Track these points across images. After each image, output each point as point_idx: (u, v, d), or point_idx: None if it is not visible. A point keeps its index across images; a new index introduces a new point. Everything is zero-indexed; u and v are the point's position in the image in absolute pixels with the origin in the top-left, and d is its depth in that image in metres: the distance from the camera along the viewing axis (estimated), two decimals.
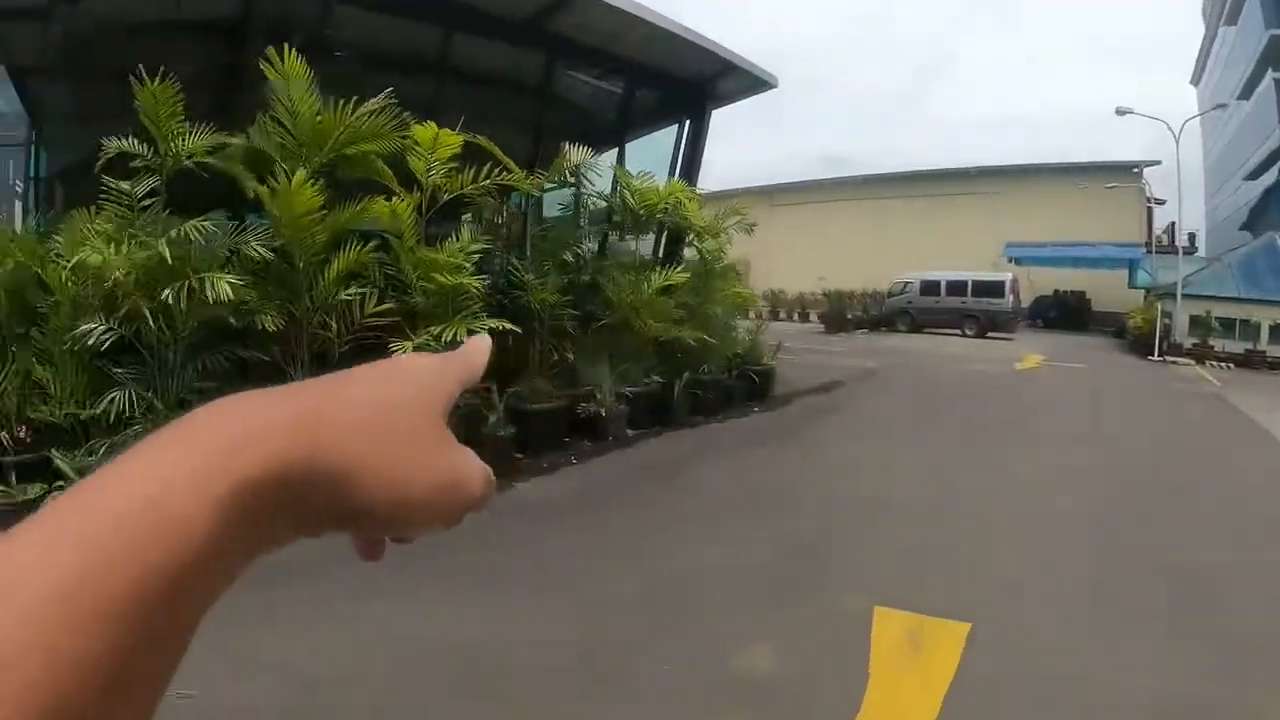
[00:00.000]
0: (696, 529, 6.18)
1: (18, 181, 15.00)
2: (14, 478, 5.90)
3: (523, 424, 7.82)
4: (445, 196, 7.32)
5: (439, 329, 6.65)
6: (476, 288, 6.97)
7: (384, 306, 6.71)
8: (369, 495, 0.35)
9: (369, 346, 6.68)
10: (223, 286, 5.69)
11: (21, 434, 6.03)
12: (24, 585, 0.26)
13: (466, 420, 7.36)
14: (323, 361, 6.57)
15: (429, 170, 7.13)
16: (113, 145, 6.19)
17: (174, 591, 0.28)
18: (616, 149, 12.00)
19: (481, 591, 4.85)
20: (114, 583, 0.26)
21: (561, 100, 11.23)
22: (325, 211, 6.35)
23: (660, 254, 11.10)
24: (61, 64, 8.49)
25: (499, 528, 6.06)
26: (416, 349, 6.08)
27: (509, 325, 6.99)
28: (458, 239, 7.40)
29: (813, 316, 35.10)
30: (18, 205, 13.82)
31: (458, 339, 6.52)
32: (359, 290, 6.59)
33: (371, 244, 6.76)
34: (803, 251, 44.41)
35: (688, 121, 12.56)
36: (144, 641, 0.27)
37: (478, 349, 0.46)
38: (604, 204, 10.41)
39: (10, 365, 6.17)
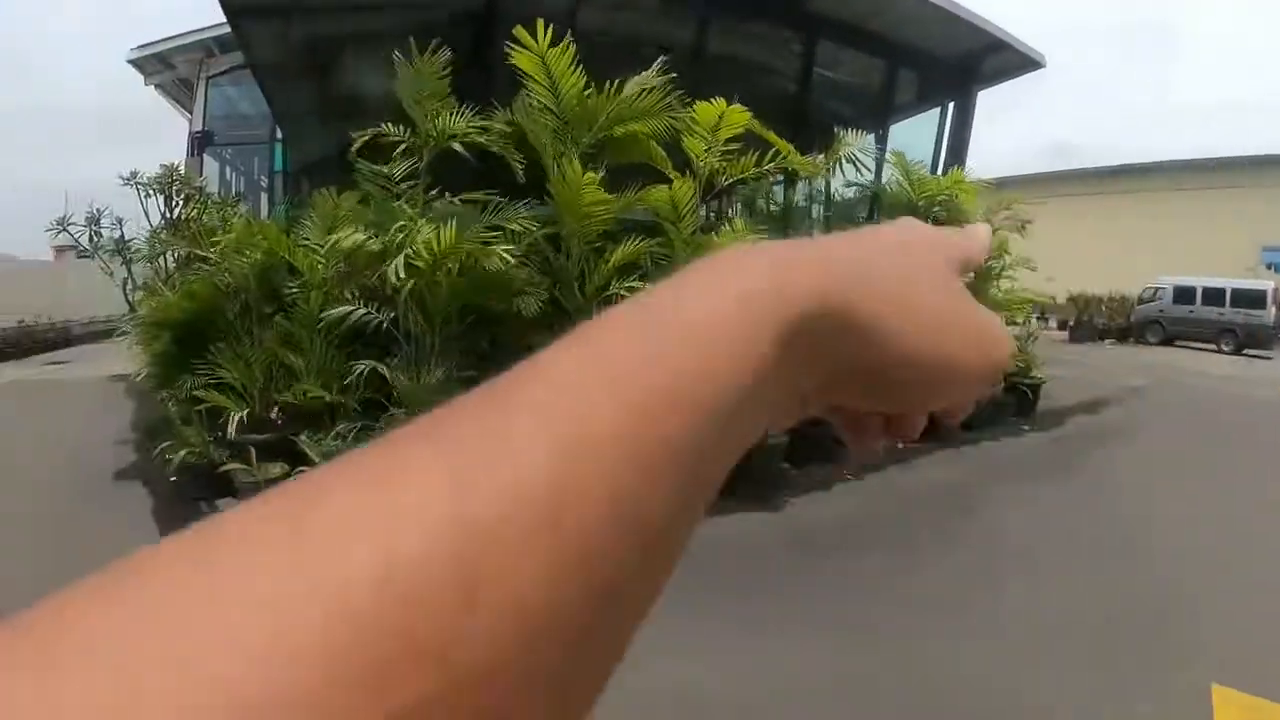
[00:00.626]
0: (998, 577, 5.24)
1: (263, 177, 15.94)
2: (254, 456, 5.79)
3: (791, 431, 7.08)
4: (724, 181, 6.65)
5: None
6: None
7: None
8: (907, 349, 0.31)
9: None
10: (495, 255, 5.24)
11: (272, 415, 5.92)
12: (572, 416, 0.22)
13: None
14: None
15: (707, 151, 6.47)
16: (368, 130, 5.88)
17: (727, 431, 0.25)
18: (872, 135, 11.06)
19: (761, 641, 4.18)
20: (670, 421, 0.23)
21: (819, 82, 10.38)
22: (609, 202, 5.82)
23: None
24: (304, 62, 8.49)
25: (773, 557, 5.41)
26: None
27: None
28: (731, 227, 6.73)
29: (1051, 321, 32.23)
30: (264, 197, 14.59)
31: None
32: (637, 282, 5.98)
33: (657, 240, 6.18)
34: (1035, 251, 40.64)
35: (951, 104, 11.46)
36: (681, 505, 0.24)
37: (978, 232, 0.41)
38: (852, 193, 9.51)
39: (256, 348, 6.16)
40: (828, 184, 9.24)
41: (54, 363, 14.90)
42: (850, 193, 9.64)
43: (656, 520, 0.22)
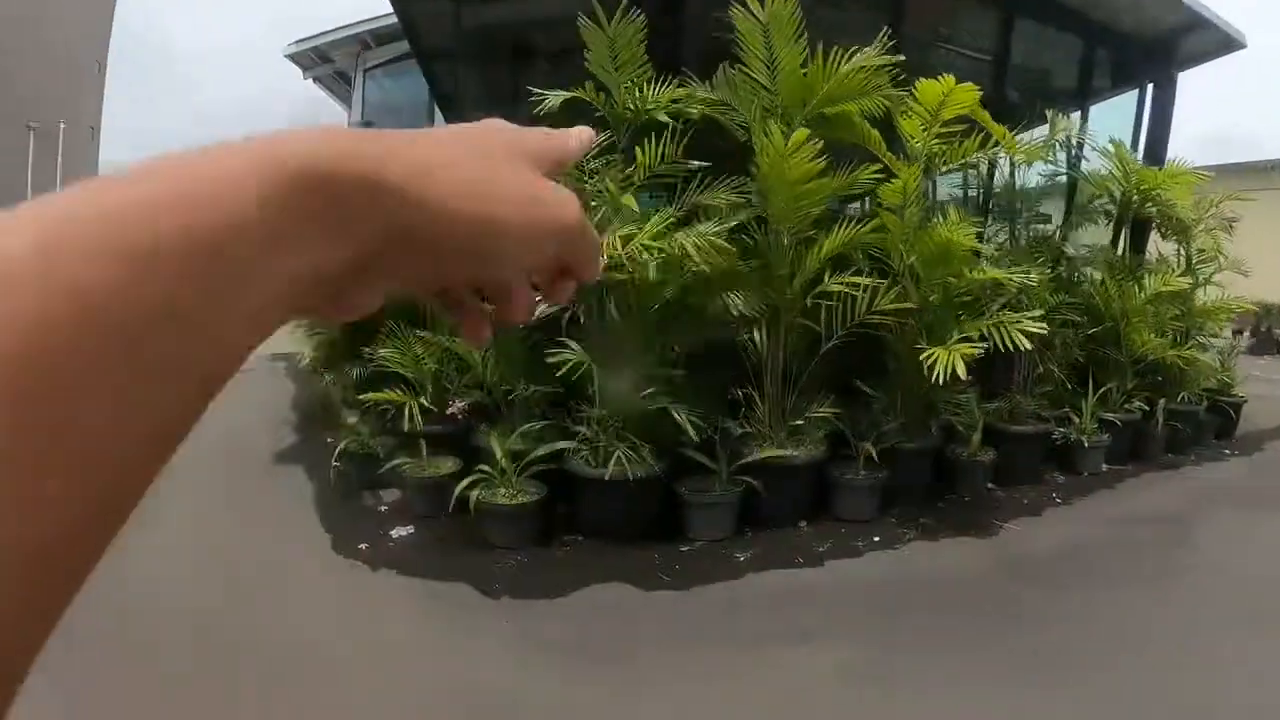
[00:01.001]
0: (1230, 617, 4.31)
1: None
2: (424, 450, 5.23)
3: (997, 448, 6.20)
4: (943, 169, 5.79)
5: (968, 328, 5.06)
6: (1018, 283, 5.26)
7: (903, 305, 5.20)
8: (444, 209, 0.33)
9: (864, 346, 5.34)
10: (692, 242, 4.51)
11: (453, 410, 5.34)
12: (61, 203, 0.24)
13: (946, 436, 5.84)
14: (804, 356, 5.27)
15: (924, 132, 5.59)
16: (556, 96, 5.18)
17: (222, 259, 0.26)
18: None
19: (984, 683, 3.60)
20: (161, 222, 0.25)
21: (1015, 61, 9.31)
22: (822, 179, 5.02)
23: (1123, 249, 8.85)
24: (475, 43, 8.00)
25: (992, 590, 4.70)
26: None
27: (1035, 328, 5.26)
28: (944, 218, 5.83)
29: (1227, 331, 29.01)
30: None
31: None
32: (853, 279, 5.15)
33: (872, 222, 5.35)
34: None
35: (1150, 87, 10.20)
36: (188, 299, 0.25)
37: (579, 134, 0.44)
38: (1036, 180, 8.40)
39: (429, 336, 5.65)
40: (1012, 168, 8.18)
41: None
42: (1037, 179, 8.57)
43: (106, 310, 0.23)
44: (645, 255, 4.52)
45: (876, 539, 5.19)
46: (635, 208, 4.73)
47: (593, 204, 4.80)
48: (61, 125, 30.16)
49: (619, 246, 4.43)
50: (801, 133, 4.73)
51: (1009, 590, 4.73)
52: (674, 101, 5.20)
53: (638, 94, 5.04)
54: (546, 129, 0.41)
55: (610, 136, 5.15)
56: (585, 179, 5.15)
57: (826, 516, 5.35)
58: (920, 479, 5.76)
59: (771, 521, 5.11)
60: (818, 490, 5.32)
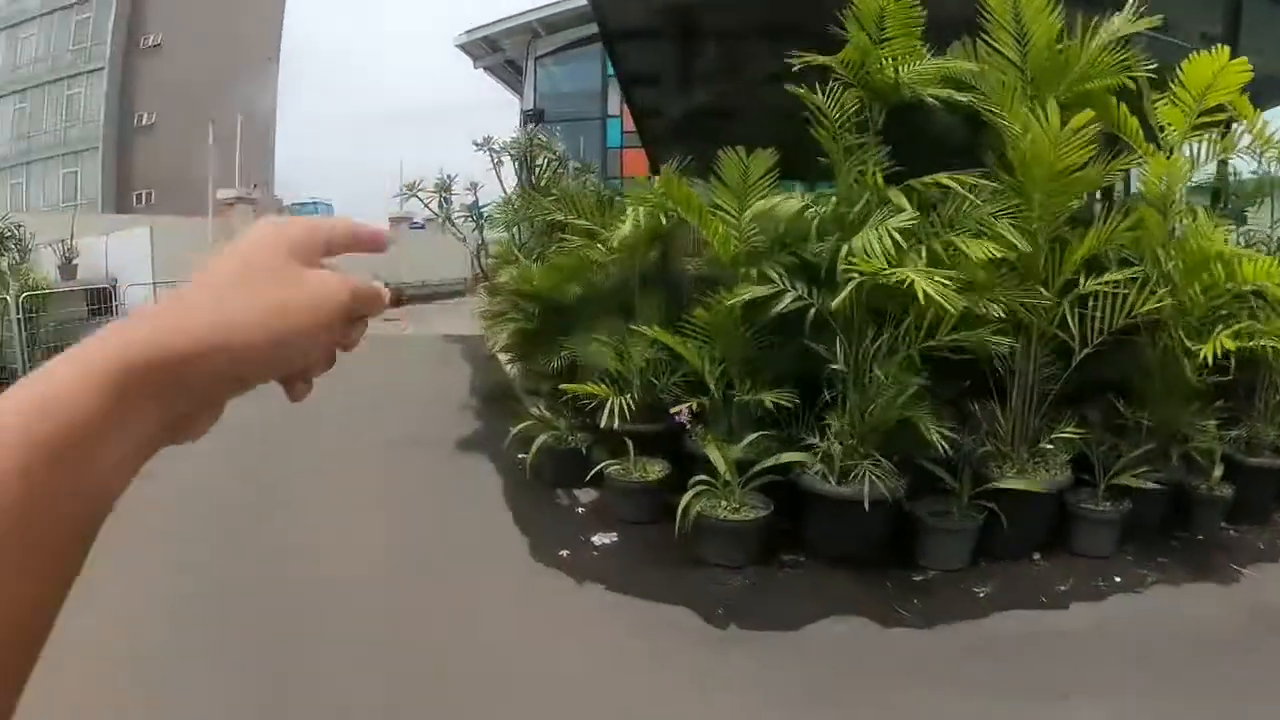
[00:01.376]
0: None
1: (578, 160, 15.63)
2: (631, 450, 4.69)
3: (1233, 481, 5.26)
4: (1207, 161, 4.90)
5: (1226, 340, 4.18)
6: None
7: (1162, 307, 4.36)
8: (247, 347, 0.36)
9: (1103, 361, 4.52)
10: (979, 252, 3.82)
11: (680, 417, 4.77)
12: None
13: (1187, 466, 5.02)
14: (1060, 363, 4.51)
15: (1185, 119, 4.70)
16: (813, 59, 4.46)
17: (62, 460, 0.30)
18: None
19: None
20: (5, 434, 0.29)
21: (1234, 45, 8.16)
22: (1084, 170, 4.23)
23: None
24: (671, 25, 7.45)
25: (1266, 651, 3.79)
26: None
27: None
28: (1195, 220, 4.94)
29: None
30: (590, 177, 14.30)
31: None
32: (1117, 275, 4.34)
33: (1130, 217, 4.52)
34: None
35: None
36: (29, 514, 0.29)
37: (340, 223, 0.45)
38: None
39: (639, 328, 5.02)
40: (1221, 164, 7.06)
41: (389, 320, 15.43)
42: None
43: None
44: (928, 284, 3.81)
45: (1118, 579, 4.39)
46: (906, 205, 4.05)
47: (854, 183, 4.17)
48: (239, 118, 31.21)
49: (884, 241, 3.79)
50: (1085, 114, 3.97)
51: (1258, 645, 3.91)
52: (950, 80, 4.51)
53: (896, 70, 4.33)
54: (316, 219, 0.44)
55: (860, 109, 4.48)
56: (845, 157, 4.45)
57: (1060, 549, 4.57)
58: (1156, 513, 4.89)
59: (1005, 552, 4.36)
60: (1055, 520, 4.55)
